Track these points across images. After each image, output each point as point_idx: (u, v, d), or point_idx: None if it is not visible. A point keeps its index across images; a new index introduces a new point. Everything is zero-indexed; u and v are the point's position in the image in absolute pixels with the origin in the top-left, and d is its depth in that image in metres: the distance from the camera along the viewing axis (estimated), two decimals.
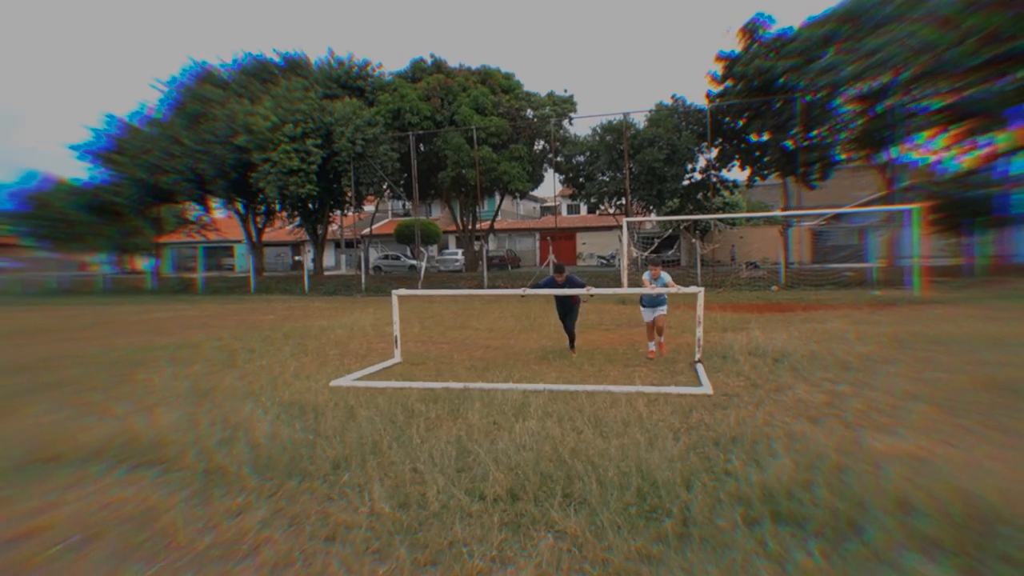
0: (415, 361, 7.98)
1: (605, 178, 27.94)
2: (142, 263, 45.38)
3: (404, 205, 46.76)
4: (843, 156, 25.54)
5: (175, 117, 28.31)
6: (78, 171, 30.16)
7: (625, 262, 20.11)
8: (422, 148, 29.72)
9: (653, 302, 8.24)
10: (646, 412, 4.97)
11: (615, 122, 27.26)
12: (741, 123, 26.25)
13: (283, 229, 38.48)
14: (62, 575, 2.65)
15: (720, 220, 30.30)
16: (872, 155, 24.45)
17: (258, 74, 29.62)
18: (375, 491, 3.40)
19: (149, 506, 3.30)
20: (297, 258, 46.89)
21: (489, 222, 35.24)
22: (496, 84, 29.17)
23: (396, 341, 8.02)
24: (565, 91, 30.09)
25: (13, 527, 3.09)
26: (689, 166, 27.31)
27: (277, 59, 30.81)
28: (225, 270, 46.15)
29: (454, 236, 41.88)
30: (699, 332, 7.14)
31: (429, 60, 30.05)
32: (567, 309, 8.69)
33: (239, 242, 43.01)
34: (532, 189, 31.82)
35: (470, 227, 33.25)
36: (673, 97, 27.91)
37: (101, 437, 4.53)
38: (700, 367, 6.86)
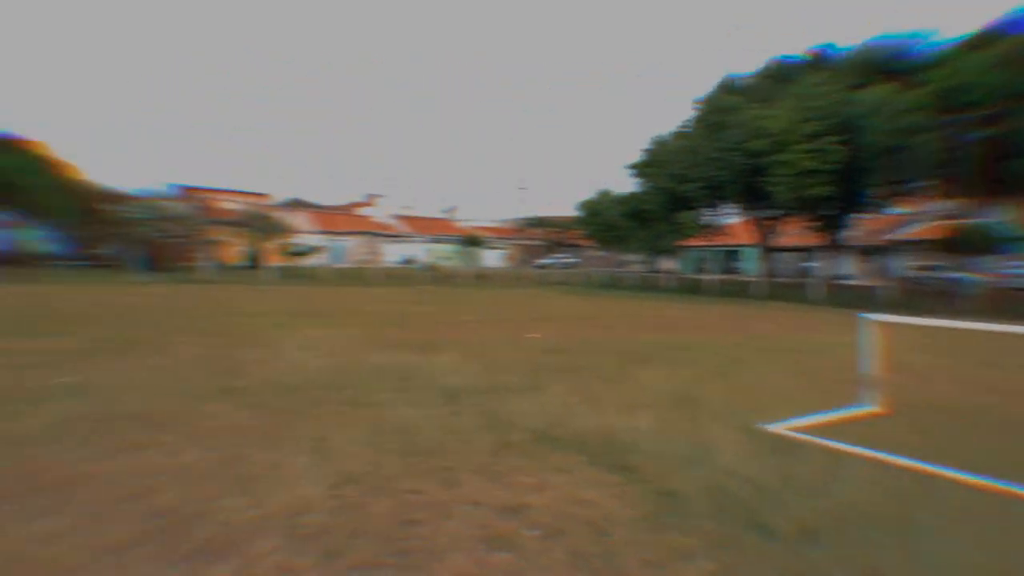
0: (941, 408, 6.16)
1: None
2: (669, 263, 51.26)
3: (950, 205, 37.96)
4: None
5: (697, 129, 30.53)
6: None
7: None
8: (988, 133, 23.25)
9: None
10: None
11: None
12: None
13: (794, 234, 36.85)
14: (533, 561, 2.94)
15: None
16: None
17: (776, 76, 29.01)
18: None
19: (606, 515, 3.40)
20: (807, 264, 44.30)
21: None
22: None
23: (868, 381, 6.10)
24: None
25: (514, 498, 3.66)
26: None
27: (806, 57, 29.50)
28: (734, 273, 47.53)
29: None
30: None
31: (1006, 18, 23.21)
32: None
33: (748, 246, 43.53)
34: None
35: None
36: None
37: (589, 429, 5.05)
38: None
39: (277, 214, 43.13)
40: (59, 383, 6.33)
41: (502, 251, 61.54)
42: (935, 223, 37.89)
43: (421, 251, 55.07)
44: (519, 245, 63.89)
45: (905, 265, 36.56)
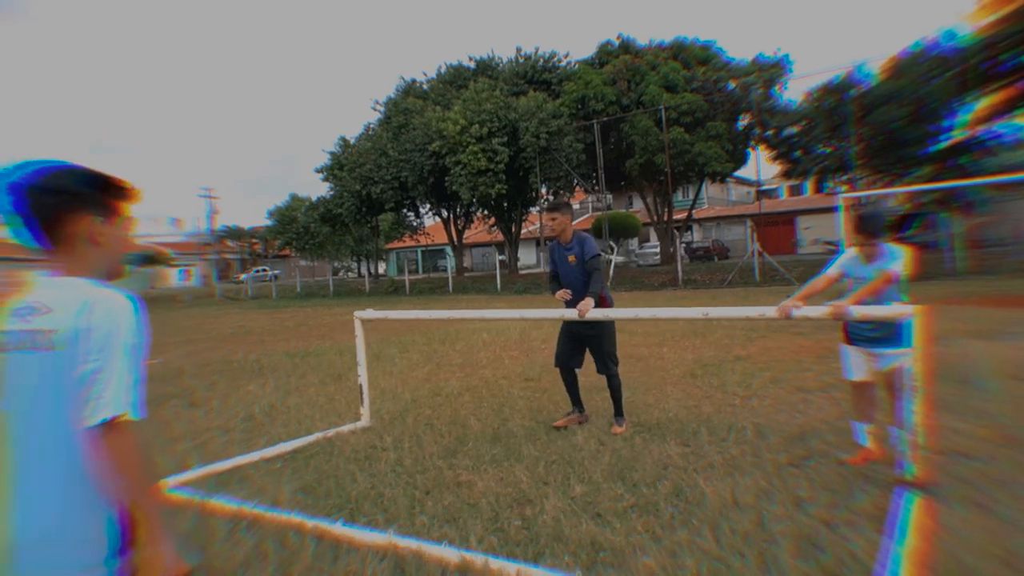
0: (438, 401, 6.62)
1: (826, 150, 23.31)
2: (380, 267, 50.86)
3: (604, 198, 45.43)
4: None
5: (382, 131, 30.75)
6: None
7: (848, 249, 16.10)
8: (612, 137, 28.04)
9: (875, 335, 3.70)
10: None
11: (836, 82, 22.53)
12: None
13: (484, 231, 39.84)
14: None
15: (988, 185, 23.31)
16: None
17: (453, 81, 30.81)
18: None
19: None
20: (500, 258, 48.57)
21: (687, 211, 32.18)
22: (690, 56, 26.26)
23: (362, 395, 5.08)
24: (777, 51, 25.90)
25: None
26: (945, 123, 21.41)
27: (471, 64, 31.75)
28: (440, 271, 49.65)
29: (655, 228, 39.38)
30: (908, 410, 3.05)
31: (616, 42, 28.25)
32: (583, 324, 4.49)
33: (448, 244, 45.83)
34: (732, 171, 28.09)
35: (665, 217, 30.61)
36: (931, 37, 22.05)
37: None
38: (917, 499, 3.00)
39: None
40: None
41: (189, 267, 54.32)
42: (593, 214, 44.67)
43: None
44: (211, 260, 57.16)
45: None
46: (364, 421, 5.08)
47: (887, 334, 3.61)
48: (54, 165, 1.37)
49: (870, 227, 3.66)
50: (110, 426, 1.23)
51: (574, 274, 4.63)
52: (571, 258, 4.66)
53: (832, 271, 3.83)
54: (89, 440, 1.24)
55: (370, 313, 5.19)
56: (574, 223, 4.94)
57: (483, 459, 4.02)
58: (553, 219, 4.74)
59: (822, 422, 4.55)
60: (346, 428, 4.95)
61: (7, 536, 1.27)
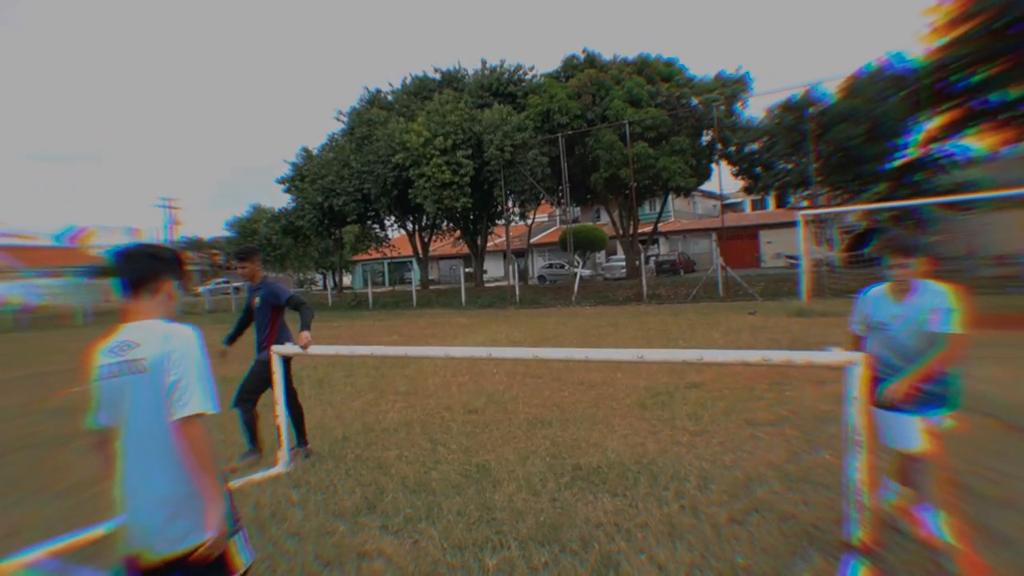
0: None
1: (787, 166, 23.55)
2: (345, 279, 49.78)
3: (571, 212, 45.40)
4: None
5: (346, 142, 30.14)
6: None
7: (806, 266, 16.17)
8: (577, 150, 27.96)
9: (926, 396, 2.99)
10: None
11: (796, 99, 22.83)
12: (978, 79, 20.16)
13: (450, 244, 39.37)
14: None
15: (941, 204, 23.86)
16: None
17: (418, 92, 30.41)
18: None
19: None
20: (468, 270, 48.09)
21: (652, 224, 32.25)
22: (654, 72, 26.36)
23: (279, 437, 4.65)
24: (738, 69, 26.19)
25: None
26: (900, 141, 21.84)
27: (437, 76, 31.40)
28: (407, 283, 48.95)
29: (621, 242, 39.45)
30: (851, 467, 2.71)
31: (582, 56, 28.24)
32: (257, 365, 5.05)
33: (413, 257, 45.22)
34: (696, 186, 28.20)
35: (631, 231, 30.59)
36: (883, 59, 22.54)
37: None
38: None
39: None
40: None
41: None
42: (561, 227, 44.61)
43: (27, 289, 43.32)
44: None
45: (542, 264, 42.14)
46: (281, 466, 4.64)
47: (938, 393, 3.02)
48: (150, 243, 2.06)
49: (905, 244, 2.96)
50: (189, 420, 1.74)
51: (261, 314, 5.03)
52: (255, 300, 5.05)
53: (856, 328, 3.27)
54: (175, 430, 1.75)
55: (289, 348, 4.76)
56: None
57: (398, 517, 3.61)
58: (242, 267, 5.05)
59: (769, 465, 4.27)
60: (258, 476, 4.50)
61: (139, 507, 1.78)
